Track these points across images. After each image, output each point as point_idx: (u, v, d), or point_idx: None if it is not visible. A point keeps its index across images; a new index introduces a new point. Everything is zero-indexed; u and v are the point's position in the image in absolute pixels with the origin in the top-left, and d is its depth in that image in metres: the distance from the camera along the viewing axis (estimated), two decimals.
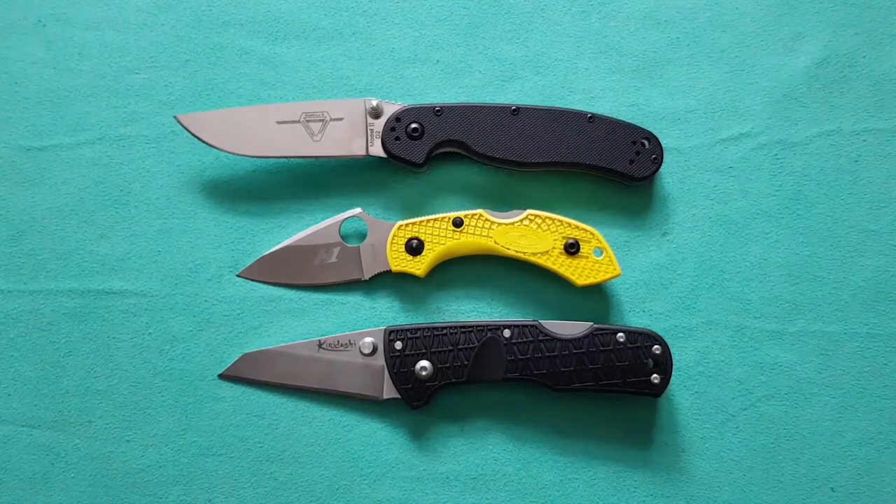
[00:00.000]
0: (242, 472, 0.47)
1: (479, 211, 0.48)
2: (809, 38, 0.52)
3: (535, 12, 0.52)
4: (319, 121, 0.49)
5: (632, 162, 0.48)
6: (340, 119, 0.49)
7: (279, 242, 0.50)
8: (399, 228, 0.48)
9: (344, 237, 0.49)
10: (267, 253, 0.49)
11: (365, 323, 0.49)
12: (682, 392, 0.48)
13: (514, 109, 0.48)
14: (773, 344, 0.48)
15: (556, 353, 0.46)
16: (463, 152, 0.49)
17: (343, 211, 0.49)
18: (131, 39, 0.53)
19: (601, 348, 0.46)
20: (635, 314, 0.49)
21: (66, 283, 0.50)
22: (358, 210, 0.49)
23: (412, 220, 0.48)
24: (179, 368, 0.49)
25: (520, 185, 0.50)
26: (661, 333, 0.47)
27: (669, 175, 0.50)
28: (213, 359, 0.49)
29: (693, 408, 0.48)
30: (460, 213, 0.48)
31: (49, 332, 0.49)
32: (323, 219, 0.50)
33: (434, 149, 0.49)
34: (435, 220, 0.48)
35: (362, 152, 0.49)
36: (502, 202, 0.49)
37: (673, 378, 0.47)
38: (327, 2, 0.53)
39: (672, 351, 0.47)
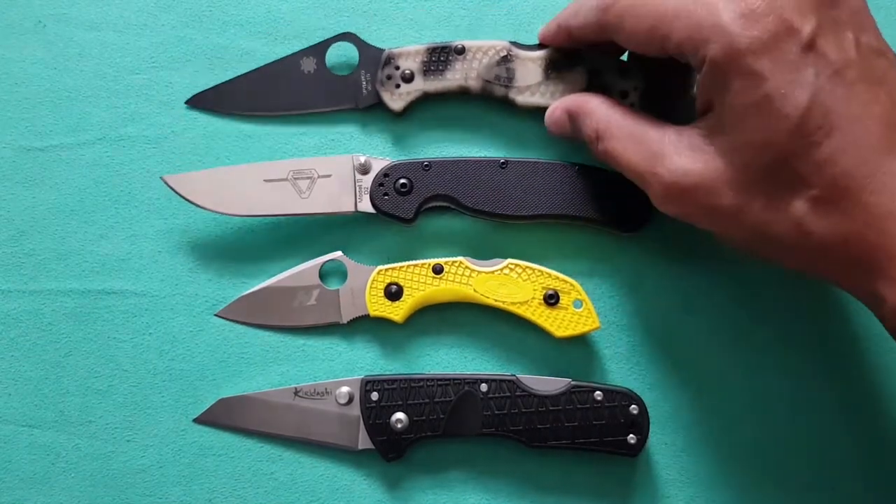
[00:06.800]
0: (242, 472, 0.48)
1: (460, 259, 0.47)
2: None
3: (536, 14, 0.52)
4: (307, 178, 0.48)
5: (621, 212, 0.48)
6: (328, 176, 0.48)
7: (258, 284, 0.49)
8: (378, 273, 0.48)
9: (323, 280, 0.49)
10: (245, 293, 0.49)
11: (342, 369, 0.48)
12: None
13: (502, 163, 0.48)
14: None
15: (532, 410, 0.45)
16: (452, 206, 0.49)
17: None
18: (131, 39, 0.53)
19: (578, 406, 0.45)
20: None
21: (67, 283, 0.50)
22: (338, 253, 0.49)
23: (392, 266, 0.48)
24: (179, 368, 0.49)
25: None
26: (641, 386, 0.47)
27: None
28: (213, 359, 0.49)
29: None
30: (440, 260, 0.47)
31: (49, 332, 0.49)
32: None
33: (423, 203, 0.48)
34: (415, 266, 0.48)
35: (351, 209, 0.48)
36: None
37: (651, 436, 0.46)
38: (328, 2, 0.53)
39: (652, 408, 0.46)
